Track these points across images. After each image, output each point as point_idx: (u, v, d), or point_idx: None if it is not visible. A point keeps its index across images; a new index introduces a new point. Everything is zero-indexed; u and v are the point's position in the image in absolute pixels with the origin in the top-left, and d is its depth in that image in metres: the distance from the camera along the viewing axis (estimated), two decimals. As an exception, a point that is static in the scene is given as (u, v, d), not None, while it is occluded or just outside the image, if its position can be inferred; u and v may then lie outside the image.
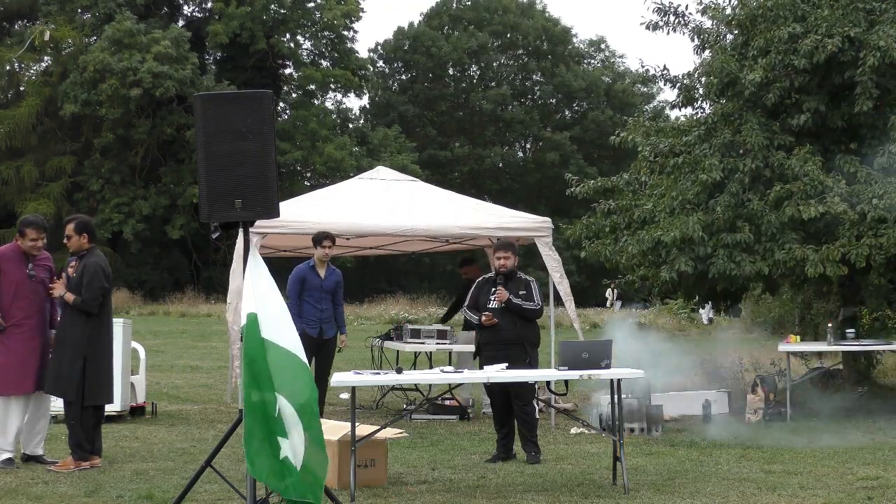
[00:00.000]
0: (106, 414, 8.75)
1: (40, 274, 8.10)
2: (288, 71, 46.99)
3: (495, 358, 8.16)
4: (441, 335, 12.03)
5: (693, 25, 13.21)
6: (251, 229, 6.05)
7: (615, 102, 53.08)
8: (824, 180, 10.97)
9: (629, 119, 14.31)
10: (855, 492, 7.11)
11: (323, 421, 6.06)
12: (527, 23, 54.07)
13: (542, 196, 49.17)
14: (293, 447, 5.21)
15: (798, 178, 11.01)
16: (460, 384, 9.68)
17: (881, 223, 10.64)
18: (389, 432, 7.76)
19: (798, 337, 12.39)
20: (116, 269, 35.39)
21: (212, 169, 5.63)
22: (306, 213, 10.87)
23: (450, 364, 11.43)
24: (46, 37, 39.00)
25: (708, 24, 13.18)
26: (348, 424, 7.19)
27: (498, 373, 7.75)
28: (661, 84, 14.10)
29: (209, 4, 45.78)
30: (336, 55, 46.62)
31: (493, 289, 8.53)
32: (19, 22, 45.06)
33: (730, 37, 12.98)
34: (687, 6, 13.19)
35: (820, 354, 13.39)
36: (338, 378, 7.47)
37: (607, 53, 57.71)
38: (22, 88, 42.95)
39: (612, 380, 7.67)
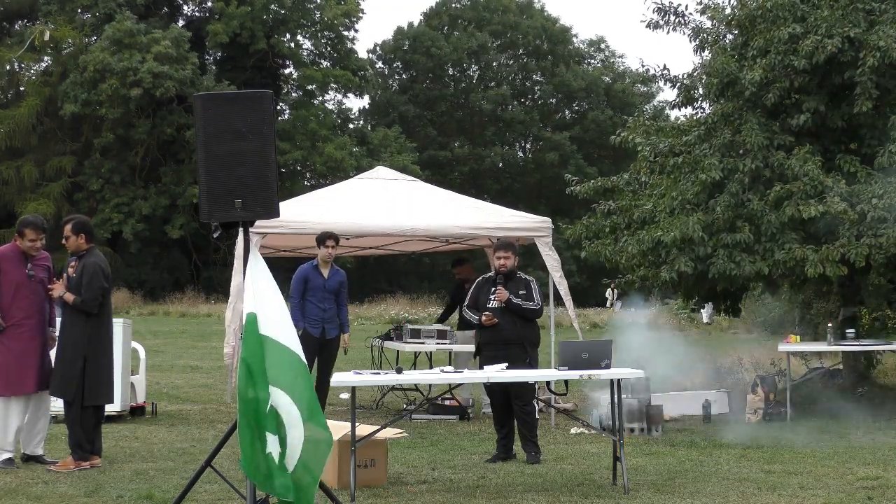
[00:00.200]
0: (106, 414, 8.75)
1: (39, 274, 8.10)
2: (288, 71, 47.02)
3: (495, 358, 8.16)
4: (441, 335, 12.03)
5: (693, 25, 13.22)
6: (251, 229, 6.06)
7: (615, 102, 53.09)
8: (824, 180, 10.97)
9: (629, 119, 14.32)
10: (855, 492, 7.11)
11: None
12: (526, 22, 54.08)
13: (542, 196, 49.18)
14: (291, 444, 5.23)
15: (798, 178, 11.01)
16: (460, 384, 9.68)
17: (881, 223, 10.64)
18: (389, 432, 7.76)
19: (798, 337, 12.38)
20: (116, 269, 35.41)
21: (212, 169, 5.64)
22: (306, 213, 10.87)
23: (449, 364, 11.43)
24: (46, 37, 39.01)
25: (708, 24, 13.19)
26: (348, 424, 7.19)
27: (498, 373, 7.75)
28: (661, 84, 14.13)
29: (209, 4, 45.79)
30: (336, 55, 46.64)
31: (493, 288, 8.53)
32: (19, 22, 45.07)
33: (729, 37, 12.98)
34: (687, 6, 13.22)
35: (820, 354, 13.39)
36: (338, 378, 7.48)
37: (607, 53, 57.76)
38: (22, 88, 42.97)
39: (612, 380, 7.67)
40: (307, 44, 47.02)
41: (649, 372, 9.98)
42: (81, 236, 8.03)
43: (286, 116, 45.39)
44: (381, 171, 12.68)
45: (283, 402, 5.28)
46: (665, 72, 13.54)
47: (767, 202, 11.16)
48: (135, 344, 11.21)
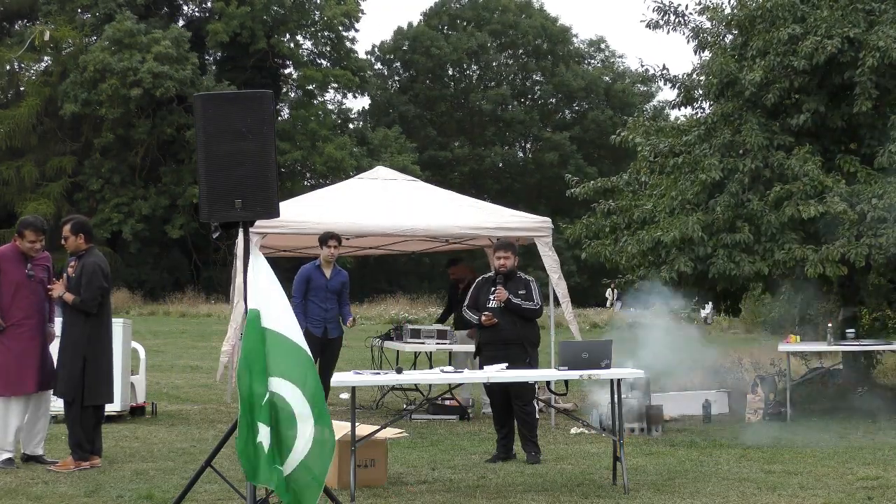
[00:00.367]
0: (106, 414, 8.75)
1: (39, 274, 8.10)
2: (288, 71, 47.02)
3: (495, 358, 8.16)
4: (441, 335, 12.04)
5: (693, 25, 13.22)
6: (251, 229, 6.06)
7: (615, 102, 53.06)
8: (824, 180, 10.97)
9: (629, 119, 14.32)
10: (855, 492, 7.11)
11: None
12: (526, 22, 54.06)
13: (542, 196, 49.15)
14: (298, 442, 5.25)
15: (798, 178, 11.01)
16: (460, 384, 9.68)
17: (881, 223, 10.64)
18: (389, 432, 7.76)
19: (798, 337, 12.38)
20: (116, 270, 35.41)
21: (212, 169, 5.64)
22: (306, 213, 10.88)
23: (449, 364, 11.44)
24: (46, 37, 39.00)
25: (707, 24, 13.20)
26: (348, 424, 7.18)
27: (498, 373, 7.75)
28: (661, 83, 14.13)
29: (209, 4, 45.78)
30: (336, 55, 46.64)
31: (493, 288, 8.53)
32: (19, 22, 45.06)
33: (729, 37, 12.99)
34: (686, 6, 13.22)
35: (820, 354, 13.39)
36: (338, 378, 7.48)
37: (607, 53, 57.74)
38: (22, 88, 42.95)
39: (612, 380, 7.67)
40: (307, 44, 47.07)
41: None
42: (81, 236, 8.03)
43: (286, 116, 45.37)
44: (380, 171, 12.68)
45: (293, 395, 5.30)
46: (664, 72, 13.56)
47: (767, 202, 11.17)
48: (135, 344, 11.21)
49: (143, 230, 39.58)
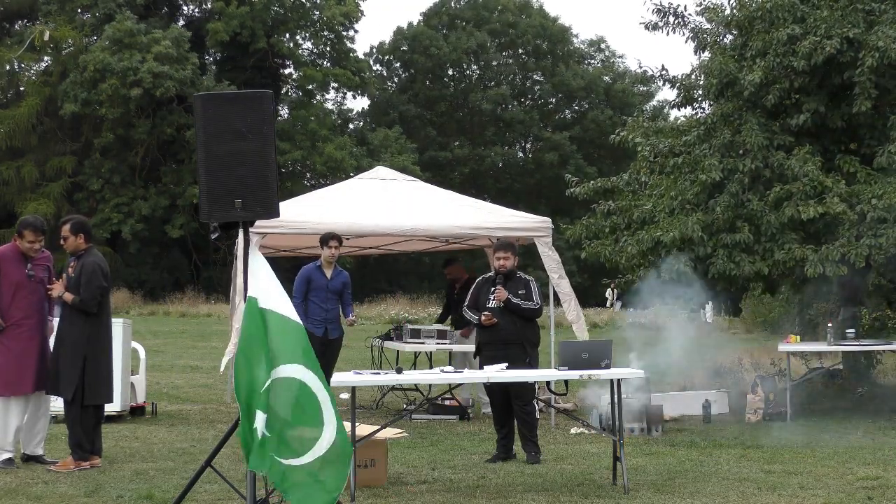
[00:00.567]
0: (106, 414, 8.75)
1: (39, 273, 8.10)
2: (288, 71, 47.03)
3: (495, 358, 8.16)
4: (441, 335, 12.04)
5: (692, 26, 13.22)
6: (251, 229, 6.06)
7: (615, 102, 53.06)
8: (824, 180, 10.97)
9: (628, 119, 14.33)
10: (855, 492, 7.11)
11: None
12: (525, 21, 54.06)
13: (542, 196, 49.14)
14: (328, 436, 5.27)
15: (798, 178, 11.01)
16: (460, 384, 9.68)
17: (881, 223, 10.64)
18: (389, 432, 7.77)
19: (798, 337, 12.38)
20: (116, 270, 35.41)
21: (212, 169, 5.64)
22: (306, 213, 10.88)
23: (449, 364, 11.44)
24: (46, 37, 38.99)
25: (707, 25, 13.20)
26: (348, 424, 7.17)
27: (498, 373, 7.75)
28: (660, 84, 14.14)
29: (209, 4, 45.77)
30: (335, 55, 46.63)
31: (493, 288, 8.53)
32: (19, 22, 45.05)
33: (729, 38, 12.99)
34: (686, 7, 13.23)
35: (820, 354, 13.38)
36: (338, 378, 7.48)
37: (607, 53, 57.75)
38: (22, 88, 42.94)
39: (611, 380, 7.67)
40: (307, 44, 47.06)
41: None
42: (80, 236, 8.03)
43: (286, 116, 45.37)
44: (380, 171, 12.68)
45: (308, 378, 5.32)
46: (664, 73, 13.56)
47: (767, 202, 11.17)
48: (135, 344, 11.21)
49: (142, 230, 39.58)
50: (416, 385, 12.23)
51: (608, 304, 36.66)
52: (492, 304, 8.50)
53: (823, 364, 13.51)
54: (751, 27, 12.10)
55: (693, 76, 12.98)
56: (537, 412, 9.14)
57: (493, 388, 8.64)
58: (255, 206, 5.70)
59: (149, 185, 40.92)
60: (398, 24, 56.03)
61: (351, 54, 46.94)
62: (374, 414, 11.33)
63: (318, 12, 45.74)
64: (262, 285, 5.52)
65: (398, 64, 54.44)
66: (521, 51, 55.30)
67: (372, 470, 7.37)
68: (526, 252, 11.04)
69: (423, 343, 12.15)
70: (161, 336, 23.59)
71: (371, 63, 52.63)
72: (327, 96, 48.78)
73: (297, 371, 5.34)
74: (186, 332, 25.80)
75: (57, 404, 8.58)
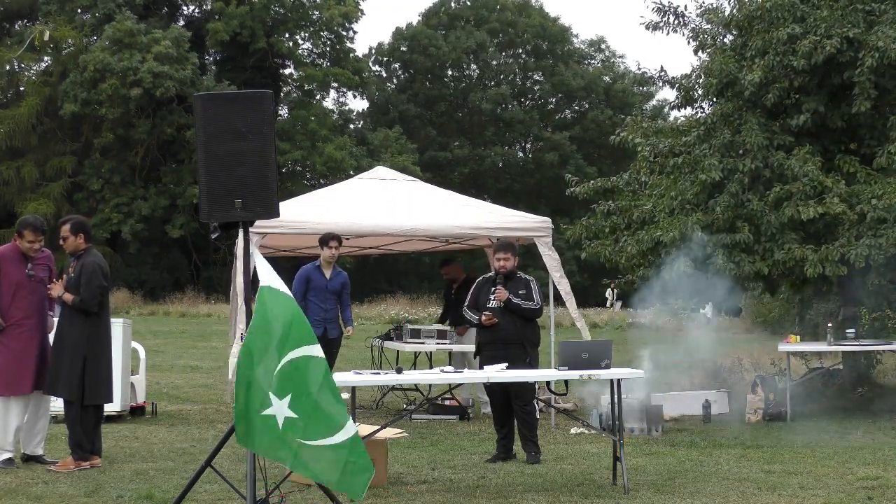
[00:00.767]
0: (106, 414, 8.76)
1: (39, 273, 8.10)
2: (288, 71, 47.04)
3: (495, 358, 8.16)
4: (441, 335, 12.05)
5: (693, 26, 13.23)
6: (251, 229, 6.06)
7: (615, 102, 53.06)
8: (824, 181, 10.98)
9: (627, 118, 14.34)
10: (855, 492, 7.11)
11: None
12: (524, 21, 54.05)
13: (542, 196, 49.15)
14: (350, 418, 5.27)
15: (797, 178, 11.01)
16: (460, 384, 9.68)
17: (880, 223, 10.64)
18: (389, 432, 7.77)
19: (798, 337, 12.38)
20: (116, 270, 35.42)
21: (212, 169, 5.65)
22: (306, 213, 10.88)
23: (449, 364, 11.44)
24: (46, 37, 39.00)
25: (707, 25, 13.20)
26: (348, 424, 7.18)
27: (498, 373, 7.75)
28: (660, 84, 14.15)
29: (209, 5, 45.77)
30: (335, 55, 46.63)
31: (493, 288, 8.53)
32: (19, 22, 45.06)
33: (729, 38, 12.99)
34: (686, 6, 13.24)
35: (820, 354, 13.39)
36: (338, 378, 7.45)
37: (607, 53, 57.75)
38: (22, 88, 42.95)
39: (611, 380, 7.67)
40: (307, 44, 47.06)
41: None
42: (80, 236, 8.03)
43: (286, 116, 45.37)
44: (380, 171, 12.68)
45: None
46: (663, 73, 13.57)
47: (767, 202, 11.17)
48: (135, 344, 11.21)
49: (142, 230, 39.59)
50: (416, 385, 12.23)
51: (608, 304, 36.65)
52: (492, 304, 8.50)
53: (823, 364, 13.51)
54: (750, 27, 12.10)
55: (693, 76, 12.98)
56: (537, 412, 9.14)
57: (493, 388, 8.64)
58: (255, 206, 5.71)
59: (149, 185, 40.92)
60: (397, 25, 55.98)
61: (351, 54, 46.94)
62: (374, 414, 11.33)
63: (317, 12, 45.73)
64: (269, 275, 5.58)
65: (398, 64, 54.43)
66: (520, 50, 55.30)
67: (372, 470, 7.36)
68: (526, 252, 11.04)
69: (423, 343, 12.15)
70: (161, 336, 23.59)
71: (370, 64, 52.64)
72: (327, 96, 48.84)
73: (317, 350, 5.31)
74: (186, 332, 25.81)
75: (57, 404, 8.58)
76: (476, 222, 11.20)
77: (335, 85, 47.23)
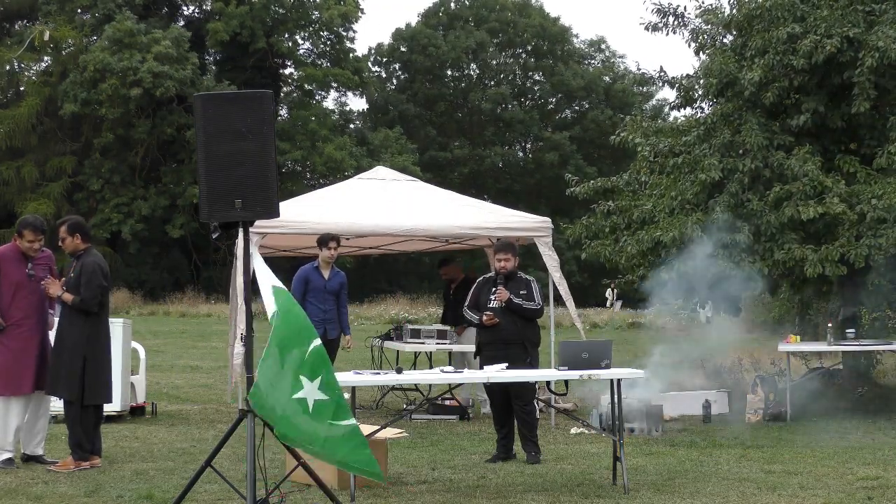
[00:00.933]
0: (106, 414, 8.76)
1: (40, 273, 8.10)
2: (288, 71, 47.03)
3: (496, 357, 8.16)
4: (441, 335, 12.05)
5: (692, 27, 13.23)
6: (251, 229, 6.06)
7: (615, 102, 53.04)
8: (824, 180, 10.97)
9: (627, 118, 14.34)
10: (855, 492, 7.11)
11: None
12: (524, 21, 54.04)
13: (542, 196, 49.13)
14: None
15: (797, 178, 11.01)
16: (460, 384, 9.68)
17: (880, 223, 10.64)
18: (389, 432, 7.77)
19: (798, 337, 12.38)
20: (116, 270, 35.41)
21: (212, 169, 5.65)
22: (306, 213, 10.87)
23: (449, 364, 11.44)
24: (46, 37, 38.98)
25: (706, 26, 13.20)
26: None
27: (498, 373, 7.75)
28: (660, 85, 14.16)
29: (209, 5, 45.77)
30: (335, 55, 46.62)
31: (494, 289, 8.53)
32: (19, 22, 45.04)
33: (728, 38, 12.99)
34: (685, 7, 13.25)
35: (820, 354, 13.39)
36: (338, 378, 7.45)
37: (607, 54, 57.74)
38: (22, 88, 42.94)
39: (611, 380, 7.67)
40: (306, 44, 47.06)
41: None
42: (77, 236, 8.04)
43: (286, 116, 45.37)
44: (380, 172, 12.67)
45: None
46: (662, 73, 13.57)
47: (767, 202, 11.16)
48: (135, 344, 11.21)
49: (142, 230, 39.57)
50: (416, 385, 12.22)
51: (608, 304, 36.63)
52: (493, 304, 8.50)
53: (823, 364, 13.52)
54: (750, 27, 12.10)
55: (693, 77, 12.99)
56: (537, 412, 9.14)
57: (493, 388, 8.65)
58: (255, 206, 5.71)
59: (149, 185, 40.91)
60: (397, 27, 55.91)
61: (350, 54, 46.94)
62: (374, 414, 11.33)
63: (317, 12, 45.73)
64: (270, 277, 5.73)
65: (397, 64, 54.41)
66: (520, 50, 55.30)
67: (372, 470, 7.36)
68: (526, 252, 11.04)
69: (423, 343, 12.15)
70: (161, 336, 23.59)
71: (370, 64, 52.62)
72: (327, 96, 48.82)
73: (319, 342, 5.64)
74: (186, 332, 25.80)
75: (57, 404, 8.58)
76: (476, 222, 11.20)
77: (335, 85, 47.21)
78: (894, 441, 9.55)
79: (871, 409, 11.40)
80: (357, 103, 66.40)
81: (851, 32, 11.16)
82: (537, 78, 55.25)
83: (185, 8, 47.61)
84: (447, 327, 12.37)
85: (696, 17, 13.16)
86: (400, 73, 54.51)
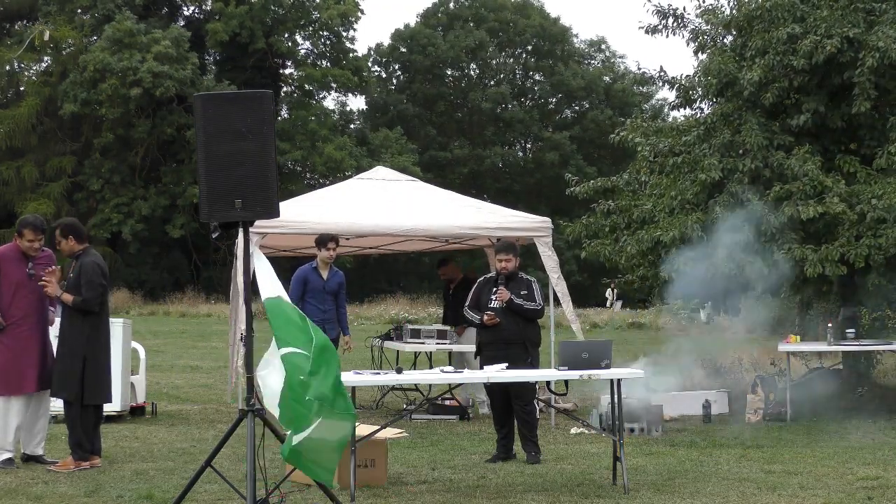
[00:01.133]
0: (106, 414, 8.76)
1: (40, 273, 8.10)
2: (288, 71, 47.02)
3: (496, 357, 8.16)
4: (441, 335, 12.05)
5: (692, 27, 13.22)
6: (251, 229, 6.06)
7: (615, 102, 53.05)
8: (824, 180, 10.97)
9: (627, 120, 14.34)
10: (855, 492, 7.11)
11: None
12: (524, 21, 54.03)
13: (542, 196, 49.13)
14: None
15: (797, 178, 11.01)
16: (460, 384, 9.68)
17: (880, 223, 10.63)
18: (389, 432, 7.77)
19: (798, 337, 12.38)
20: (116, 270, 35.42)
21: (212, 169, 5.65)
22: (306, 213, 10.88)
23: (449, 364, 11.44)
24: (46, 37, 38.98)
25: (706, 26, 13.19)
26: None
27: (498, 373, 7.76)
28: (660, 84, 14.17)
29: (209, 6, 45.77)
30: (335, 55, 46.62)
31: (495, 289, 8.53)
32: (19, 22, 45.04)
33: (728, 38, 12.99)
34: (685, 7, 13.25)
35: (820, 354, 13.39)
36: (338, 378, 7.47)
37: (607, 54, 57.74)
38: (22, 88, 42.94)
39: (611, 380, 7.67)
40: (306, 44, 47.06)
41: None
42: (71, 238, 8.06)
43: (286, 116, 45.36)
44: (380, 172, 12.68)
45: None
46: (662, 73, 13.57)
47: (767, 202, 11.16)
48: (135, 344, 11.21)
49: (142, 230, 39.57)
50: (416, 385, 12.22)
51: (608, 304, 36.65)
52: (494, 304, 8.50)
53: (823, 364, 13.51)
54: (750, 27, 12.10)
55: (692, 76, 12.98)
56: (537, 412, 9.14)
57: (493, 388, 8.65)
58: (255, 206, 5.71)
59: (149, 185, 40.91)
60: (396, 27, 55.94)
61: (350, 54, 46.94)
62: (374, 414, 11.33)
63: (316, 12, 45.73)
64: (271, 285, 5.73)
65: (397, 65, 54.40)
66: (520, 50, 55.29)
67: (372, 470, 7.37)
68: (525, 252, 11.04)
69: (423, 343, 12.15)
70: (161, 336, 23.58)
71: (370, 64, 52.61)
72: (327, 96, 48.81)
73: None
74: (186, 332, 25.80)
75: (57, 404, 8.58)
76: (476, 222, 11.20)
77: (334, 86, 47.20)
78: (894, 441, 9.55)
79: (871, 409, 11.40)
80: (357, 103, 66.48)
81: (851, 33, 11.15)
82: (537, 78, 55.25)
83: (184, 8, 47.66)
84: (447, 327, 12.37)
85: (697, 16, 13.16)
86: (399, 73, 54.50)
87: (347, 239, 11.61)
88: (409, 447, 8.98)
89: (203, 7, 47.12)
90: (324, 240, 10.48)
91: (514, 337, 8.43)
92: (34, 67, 43.39)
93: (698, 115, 13.34)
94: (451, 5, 54.72)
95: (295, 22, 45.13)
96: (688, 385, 12.60)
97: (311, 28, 46.32)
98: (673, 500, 6.88)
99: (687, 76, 13.08)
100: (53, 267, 8.07)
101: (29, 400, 8.03)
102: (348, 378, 7.44)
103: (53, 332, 8.13)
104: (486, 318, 8.48)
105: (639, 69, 13.83)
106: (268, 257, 6.22)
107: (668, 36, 13.23)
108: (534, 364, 8.47)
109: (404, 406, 11.92)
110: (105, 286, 8.01)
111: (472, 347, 9.53)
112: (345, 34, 46.52)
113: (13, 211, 37.53)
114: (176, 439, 9.51)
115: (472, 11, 53.90)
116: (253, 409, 5.75)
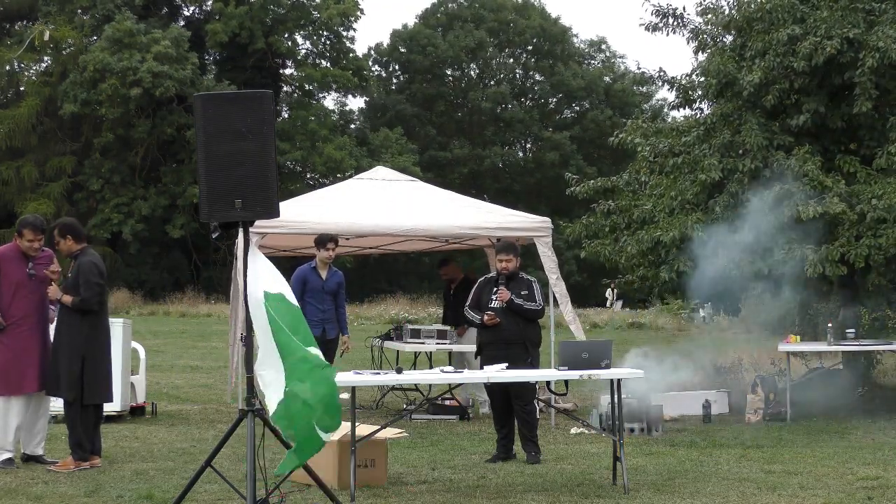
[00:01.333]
0: (106, 414, 8.75)
1: (40, 273, 8.10)
2: (288, 71, 47.02)
3: (496, 357, 8.17)
4: (441, 335, 12.05)
5: (692, 27, 13.23)
6: (251, 229, 6.06)
7: (615, 102, 53.05)
8: (824, 180, 10.97)
9: (627, 121, 14.35)
10: (855, 492, 7.11)
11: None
12: (524, 21, 54.03)
13: (542, 196, 49.12)
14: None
15: (797, 178, 11.01)
16: (460, 384, 9.68)
17: (880, 223, 10.64)
18: (389, 432, 7.77)
19: (798, 337, 12.39)
20: (116, 270, 35.41)
21: (212, 169, 5.65)
22: (306, 213, 10.88)
23: (449, 364, 11.44)
24: (46, 37, 38.97)
25: (706, 26, 13.20)
26: (348, 424, 7.18)
27: (498, 373, 7.76)
28: (660, 84, 14.19)
29: (209, 5, 45.77)
30: (335, 55, 46.62)
31: (495, 289, 8.53)
32: (19, 22, 45.04)
33: (728, 39, 13.00)
34: (685, 7, 13.25)
35: (820, 354, 13.39)
36: (338, 378, 7.45)
37: (608, 54, 57.74)
38: (22, 88, 42.93)
39: (611, 380, 7.67)
40: (306, 44, 47.07)
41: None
42: (69, 238, 8.06)
43: (286, 116, 45.36)
44: (380, 172, 12.68)
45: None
46: (662, 73, 13.58)
47: (767, 202, 11.16)
48: (135, 344, 11.21)
49: (143, 230, 39.57)
50: (416, 385, 12.22)
51: (608, 304, 36.65)
52: (494, 304, 8.50)
53: (823, 364, 13.51)
54: (750, 28, 12.10)
55: (693, 77, 12.98)
56: (537, 412, 9.14)
57: (493, 388, 8.65)
58: (255, 206, 5.71)
59: (149, 185, 40.90)
60: (395, 27, 55.96)
61: (350, 54, 46.94)
62: (374, 414, 11.33)
63: (316, 12, 45.73)
64: (268, 278, 5.72)
65: (397, 64, 54.39)
66: (520, 50, 55.28)
67: (372, 470, 7.37)
68: (525, 252, 11.04)
69: (423, 343, 12.15)
70: (161, 336, 23.58)
71: (370, 64, 52.59)
72: (327, 96, 48.80)
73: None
74: (186, 332, 25.80)
75: (57, 404, 8.58)
76: (476, 222, 11.20)
77: (334, 86, 47.20)
78: (894, 441, 9.55)
79: (871, 409, 11.40)
80: (357, 103, 66.49)
81: (851, 33, 11.15)
82: (537, 78, 55.23)
83: (184, 8, 47.65)
84: (447, 327, 12.37)
85: (697, 15, 13.17)
86: (399, 73, 54.49)
87: (347, 239, 11.61)
88: (409, 447, 8.98)
89: (203, 7, 47.13)
90: (323, 240, 10.48)
91: (515, 337, 8.43)
92: (34, 67, 43.40)
93: (698, 115, 13.36)
94: (451, 5, 54.70)
95: (295, 22, 45.12)
96: (688, 385, 12.61)
97: (310, 28, 46.31)
98: (673, 500, 6.88)
99: (687, 76, 13.09)
100: (56, 267, 8.08)
101: (29, 400, 8.03)
102: (348, 378, 7.45)
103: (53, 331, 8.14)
104: (486, 318, 8.48)
105: (639, 69, 13.82)
106: (268, 257, 6.22)
107: (668, 34, 13.25)
108: (534, 364, 8.47)
109: (404, 406, 11.92)
110: (103, 285, 8.01)
111: (472, 347, 9.53)
112: (345, 34, 46.54)
113: (13, 211, 37.52)
114: (176, 439, 9.51)
115: (471, 11, 53.87)
116: (253, 409, 5.75)
